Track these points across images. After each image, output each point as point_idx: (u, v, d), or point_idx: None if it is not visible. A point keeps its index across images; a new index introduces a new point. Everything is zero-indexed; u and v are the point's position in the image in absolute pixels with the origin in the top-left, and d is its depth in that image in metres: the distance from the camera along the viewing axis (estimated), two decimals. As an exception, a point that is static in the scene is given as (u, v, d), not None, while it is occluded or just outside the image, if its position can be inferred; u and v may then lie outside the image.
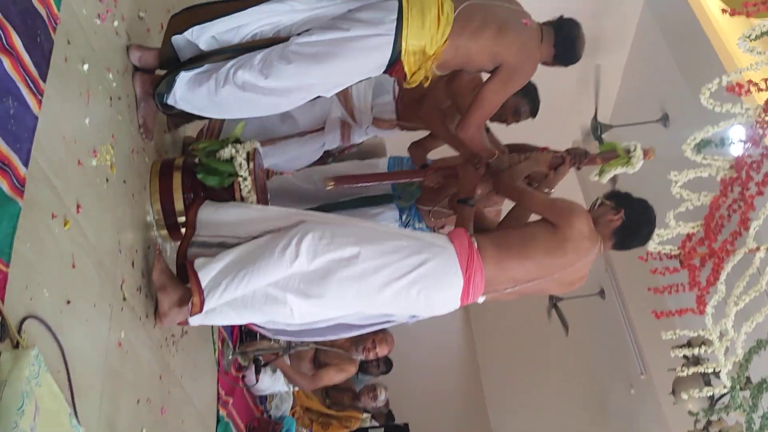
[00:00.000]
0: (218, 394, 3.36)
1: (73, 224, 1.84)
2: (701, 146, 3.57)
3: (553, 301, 7.05)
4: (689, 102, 4.57)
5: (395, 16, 2.49)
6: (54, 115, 1.79)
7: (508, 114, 3.31)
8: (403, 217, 3.45)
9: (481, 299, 2.52)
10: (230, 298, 2.31)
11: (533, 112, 3.35)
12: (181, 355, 2.75)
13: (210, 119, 3.08)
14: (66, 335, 1.73)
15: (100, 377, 1.96)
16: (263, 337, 3.65)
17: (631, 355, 6.48)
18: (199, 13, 2.54)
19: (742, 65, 3.72)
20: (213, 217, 2.46)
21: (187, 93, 2.49)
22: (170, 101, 2.50)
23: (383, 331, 4.44)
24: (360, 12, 2.52)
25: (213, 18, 2.49)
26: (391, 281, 2.35)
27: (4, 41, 1.55)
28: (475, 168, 2.90)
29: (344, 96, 3.38)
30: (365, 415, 5.72)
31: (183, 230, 2.52)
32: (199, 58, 2.51)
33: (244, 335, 3.82)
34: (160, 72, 2.55)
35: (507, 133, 3.38)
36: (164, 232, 2.60)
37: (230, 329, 3.69)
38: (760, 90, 3.12)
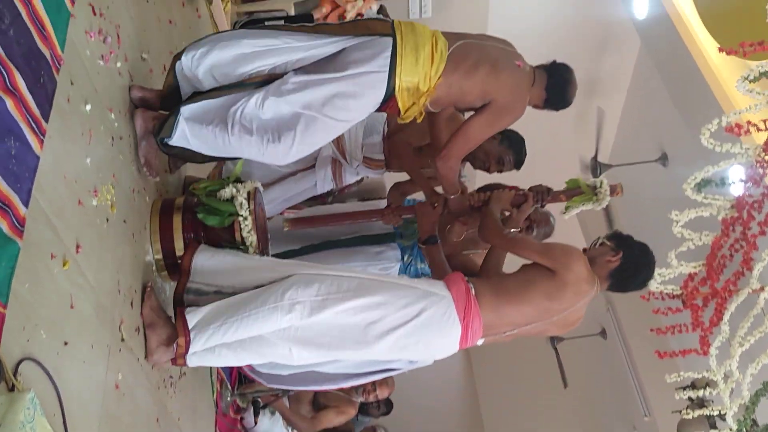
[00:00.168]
0: (216, 436, 3.30)
1: (72, 264, 1.82)
2: (701, 186, 3.57)
3: (554, 344, 7.00)
4: (687, 141, 4.59)
5: (389, 53, 2.50)
6: (55, 155, 1.79)
7: (491, 162, 3.29)
8: (405, 257, 3.41)
9: (480, 341, 2.52)
10: (218, 343, 2.30)
11: (517, 164, 3.31)
12: (179, 396, 2.71)
13: (217, 161, 3.08)
14: (63, 377, 1.71)
15: (96, 420, 1.93)
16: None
17: (634, 396, 6.39)
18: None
19: (738, 104, 3.73)
20: (208, 264, 2.45)
21: (190, 132, 2.49)
22: (173, 142, 2.48)
23: (383, 372, 4.39)
24: (355, 51, 2.53)
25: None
26: (390, 331, 2.37)
27: (8, 82, 1.56)
28: (433, 207, 2.92)
29: None
30: (365, 457, 5.65)
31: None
32: (199, 95, 2.51)
33: (242, 377, 3.77)
34: (162, 112, 2.56)
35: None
36: (164, 272, 2.58)
37: (229, 370, 3.65)
38: (759, 130, 3.12)
